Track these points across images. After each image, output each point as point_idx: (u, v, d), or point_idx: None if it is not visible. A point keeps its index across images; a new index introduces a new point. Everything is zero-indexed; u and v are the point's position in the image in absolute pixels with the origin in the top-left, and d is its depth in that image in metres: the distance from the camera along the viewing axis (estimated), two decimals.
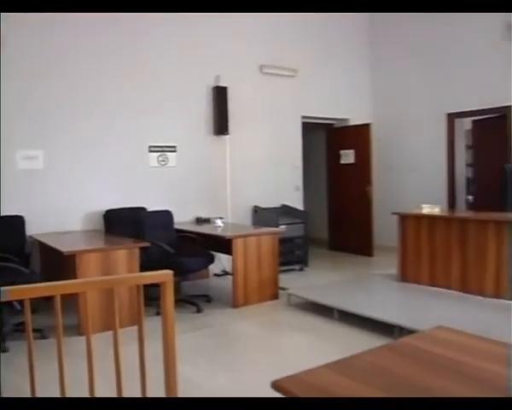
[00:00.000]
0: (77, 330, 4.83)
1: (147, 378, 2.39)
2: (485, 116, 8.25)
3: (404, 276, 6.38)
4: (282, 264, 7.23)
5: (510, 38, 7.53)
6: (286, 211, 8.13)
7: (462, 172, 8.91)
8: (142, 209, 6.77)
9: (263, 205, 8.04)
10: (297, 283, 6.87)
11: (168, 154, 7.32)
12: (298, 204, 8.53)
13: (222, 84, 7.67)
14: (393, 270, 6.56)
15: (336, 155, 9.41)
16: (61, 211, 6.44)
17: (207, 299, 6.17)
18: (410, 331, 4.10)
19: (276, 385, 1.54)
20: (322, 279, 7.04)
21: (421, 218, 6.22)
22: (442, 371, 1.73)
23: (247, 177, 8.04)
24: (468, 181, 9.12)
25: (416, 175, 8.94)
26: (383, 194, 9.16)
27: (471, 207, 8.81)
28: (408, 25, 9.07)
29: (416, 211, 6.40)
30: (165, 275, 2.41)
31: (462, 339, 2.05)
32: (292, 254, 7.81)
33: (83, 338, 2.66)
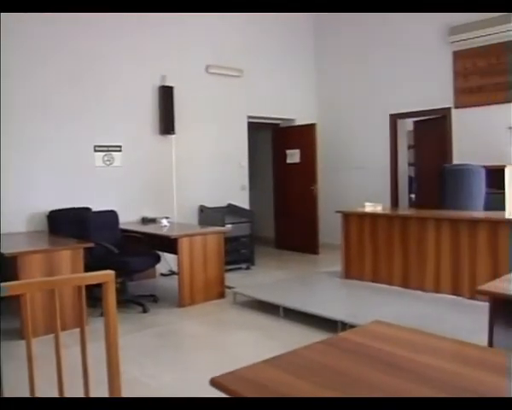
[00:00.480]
0: (19, 333, 4.71)
1: (90, 380, 2.37)
2: (426, 117, 8.49)
3: (348, 273, 6.52)
4: (229, 263, 7.28)
5: (449, 41, 7.79)
6: (232, 210, 8.16)
7: (405, 171, 9.13)
8: (87, 210, 6.67)
9: (209, 204, 8.04)
10: (243, 281, 6.90)
11: (114, 153, 7.23)
12: (244, 203, 8.57)
13: (168, 83, 7.64)
14: (338, 267, 6.69)
15: (282, 155, 9.50)
16: (3, 212, 6.25)
17: (154, 299, 6.14)
18: (352, 327, 4.18)
19: (214, 382, 1.56)
20: (268, 278, 7.11)
21: (363, 216, 6.38)
22: (377, 364, 1.76)
23: (193, 176, 8.03)
24: (411, 180, 9.38)
25: (360, 174, 9.11)
26: (328, 193, 9.29)
27: (413, 205, 9.09)
28: (352, 27, 9.24)
29: (359, 209, 6.55)
30: (106, 275, 2.39)
31: (397, 333, 2.11)
32: (238, 253, 7.86)
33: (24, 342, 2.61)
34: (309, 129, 9.02)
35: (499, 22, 7.21)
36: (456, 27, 7.71)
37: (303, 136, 9.11)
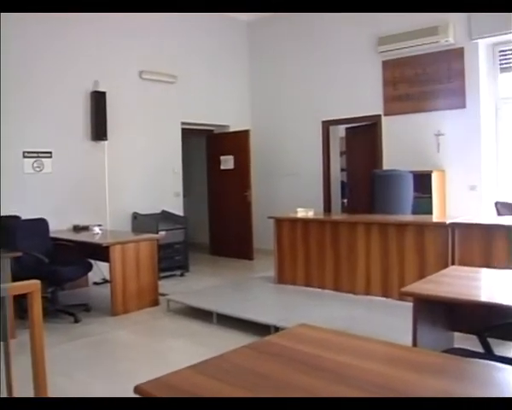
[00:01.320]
0: None
1: (15, 394, 2.32)
2: (358, 124, 8.69)
3: (281, 278, 6.60)
4: (163, 270, 7.25)
5: (379, 51, 8.02)
6: (166, 217, 8.11)
7: (338, 176, 9.31)
8: (16, 218, 6.44)
9: (143, 211, 7.96)
10: (177, 288, 6.87)
11: (44, 160, 7.04)
12: (178, 210, 8.51)
13: (101, 89, 7.52)
14: (272, 272, 6.76)
15: (216, 161, 9.52)
16: None
17: (86, 308, 6.01)
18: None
19: (137, 390, 1.57)
20: (202, 284, 7.09)
21: (296, 221, 6.47)
22: (301, 366, 1.79)
23: (126, 183, 7.93)
24: (343, 185, 9.58)
25: (294, 180, 9.23)
26: (262, 198, 9.35)
27: (346, 210, 9.29)
28: (285, 34, 9.39)
29: (291, 215, 6.64)
30: (31, 285, 2.35)
31: (322, 335, 2.16)
32: (172, 260, 7.81)
33: None
34: (243, 135, 9.08)
35: (424, 34, 7.49)
36: (384, 38, 7.94)
37: (237, 142, 9.16)
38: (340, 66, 8.66)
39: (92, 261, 6.08)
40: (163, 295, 6.23)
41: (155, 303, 6.11)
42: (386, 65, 8.10)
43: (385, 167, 7.96)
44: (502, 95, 7.43)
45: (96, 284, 7.35)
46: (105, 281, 7.24)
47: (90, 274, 6.33)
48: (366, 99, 8.33)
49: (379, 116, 8.21)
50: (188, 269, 8.04)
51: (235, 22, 9.71)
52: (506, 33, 6.96)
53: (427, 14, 7.45)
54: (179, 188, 8.72)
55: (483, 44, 7.35)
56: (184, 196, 8.88)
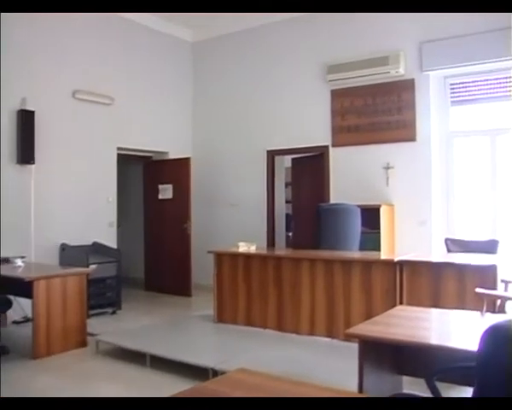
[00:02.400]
0: None
1: None
2: (304, 154, 8.80)
3: (221, 316, 6.54)
4: (92, 307, 7.10)
5: (327, 80, 8.17)
6: (97, 249, 7.94)
7: (283, 209, 9.38)
8: None
9: (72, 243, 7.73)
10: (108, 327, 6.69)
11: None
12: (111, 242, 8.33)
13: (29, 107, 7.32)
14: (211, 310, 6.69)
15: (154, 190, 9.45)
16: None
17: (3, 350, 5.73)
18: (224, 374, 4.17)
19: None
20: (135, 323, 6.93)
21: (237, 256, 6.44)
22: None
23: (55, 211, 7.70)
24: (288, 218, 9.63)
25: (236, 211, 9.23)
26: (202, 231, 9.31)
27: (291, 244, 9.31)
28: (232, 58, 9.50)
29: (232, 249, 6.61)
30: None
31: (262, 381, 2.14)
32: (103, 297, 7.65)
33: None
34: (183, 163, 9.06)
35: (374, 64, 7.69)
36: (333, 66, 8.10)
37: (177, 170, 9.13)
38: (288, 93, 8.78)
39: (12, 298, 5.85)
40: (92, 335, 6.06)
41: (83, 344, 5.93)
42: (335, 94, 8.25)
43: (332, 200, 8.06)
44: (452, 128, 7.66)
45: (15, 322, 7.04)
46: (26, 320, 6.95)
47: (9, 312, 6.07)
48: (313, 129, 8.46)
49: (326, 147, 8.33)
50: (120, 306, 7.87)
51: (180, 42, 9.74)
52: (457, 66, 7.25)
53: (378, 43, 7.76)
54: (113, 217, 8.56)
55: (434, 77, 7.57)
56: (118, 226, 8.73)
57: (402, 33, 7.67)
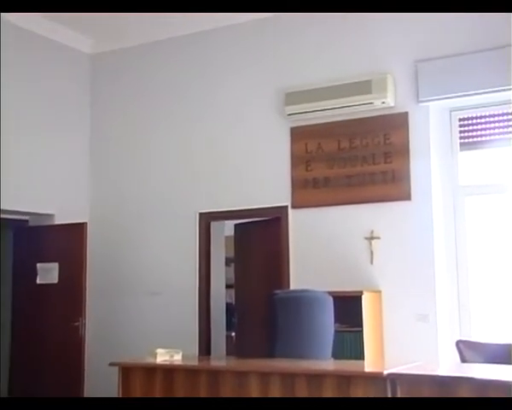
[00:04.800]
0: None
1: None
2: (253, 219, 8.72)
3: None
4: None
5: (286, 113, 8.12)
6: None
7: (222, 296, 9.27)
8: None
9: None
10: None
11: None
12: None
13: None
14: None
15: (31, 270, 9.08)
16: None
17: None
18: None
19: None
20: None
21: (153, 370, 6.10)
22: None
23: None
24: (230, 310, 9.42)
25: (154, 303, 8.98)
26: (104, 331, 9.07)
27: (233, 350, 9.09)
28: (148, 80, 9.48)
29: (147, 360, 6.29)
30: None
31: None
32: None
33: None
34: (75, 231, 8.82)
35: (352, 91, 7.66)
36: (293, 94, 8.04)
37: (66, 241, 8.87)
38: (229, 132, 8.72)
39: None
40: None
41: None
42: (297, 133, 8.18)
43: (293, 286, 7.90)
44: (463, 182, 7.61)
45: None
46: None
47: None
48: (266, 183, 8.38)
49: (284, 209, 8.23)
50: None
51: (70, 53, 9.62)
52: (469, 94, 7.24)
53: (358, 62, 7.85)
54: None
55: (436, 109, 7.58)
56: None
57: (390, 48, 7.72)
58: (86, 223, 8.94)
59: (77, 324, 8.70)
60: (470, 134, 7.61)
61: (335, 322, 6.56)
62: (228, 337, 9.47)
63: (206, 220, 8.85)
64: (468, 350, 6.07)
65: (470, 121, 7.60)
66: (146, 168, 9.35)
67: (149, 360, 6.28)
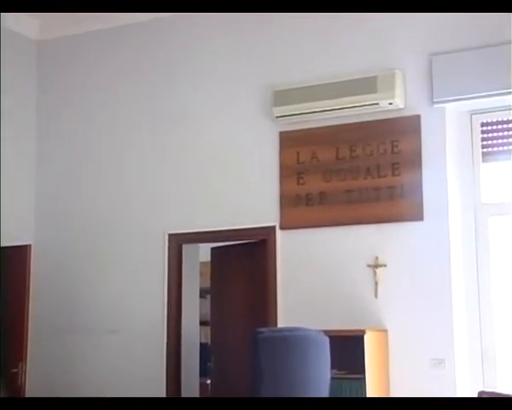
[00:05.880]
0: None
1: None
2: (234, 242, 8.68)
3: None
4: None
5: (274, 115, 8.02)
6: None
7: (195, 335, 9.30)
8: None
9: None
10: None
11: None
12: None
13: None
14: None
15: None
16: None
17: None
18: None
19: None
20: None
21: None
22: None
23: None
24: (205, 351, 9.48)
25: (112, 343, 8.86)
26: (51, 379, 8.91)
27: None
28: (105, 73, 9.43)
29: None
30: None
31: None
32: None
33: None
34: (16, 255, 8.81)
35: (353, 89, 7.57)
36: (282, 92, 7.97)
37: (4, 267, 8.68)
38: (205, 137, 8.66)
39: None
40: None
41: None
42: (287, 139, 8.11)
43: (280, 323, 7.82)
44: (486, 199, 7.53)
45: None
46: None
47: None
48: (249, 199, 8.33)
49: (271, 229, 8.15)
50: None
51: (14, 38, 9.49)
52: (493, 95, 7.16)
53: (360, 55, 7.81)
54: None
55: (454, 112, 7.53)
56: None
57: (399, 39, 7.65)
58: (30, 245, 8.94)
59: (15, 370, 8.66)
60: (495, 142, 7.55)
61: (332, 367, 6.45)
62: (202, 385, 9.51)
63: (177, 243, 8.77)
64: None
65: (495, 127, 7.54)
66: (102, 180, 9.25)
67: None
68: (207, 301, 9.50)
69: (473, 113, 7.53)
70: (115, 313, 8.92)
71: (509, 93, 7.01)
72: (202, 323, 9.43)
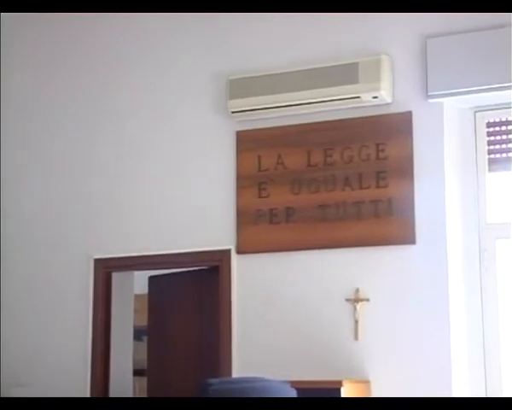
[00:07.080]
0: None
1: None
2: (178, 269, 8.62)
3: None
4: None
5: (229, 109, 7.96)
6: None
7: (128, 387, 9.13)
8: None
9: None
10: None
11: None
12: None
13: None
14: None
15: None
16: None
17: None
18: None
19: None
20: None
21: None
22: None
23: None
24: None
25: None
26: None
27: None
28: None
29: None
30: None
31: None
32: None
33: None
34: None
35: (330, 80, 7.51)
36: (240, 81, 7.95)
37: None
38: (142, 141, 8.62)
39: None
40: None
41: None
42: (246, 141, 8.06)
43: (236, 372, 7.72)
44: (492, 218, 7.46)
45: None
46: None
47: None
48: (198, 216, 8.28)
49: (226, 254, 8.04)
50: None
51: None
52: (501, 88, 7.07)
53: (336, 37, 7.92)
54: None
55: (453, 108, 7.50)
56: None
57: (386, 17, 7.48)
58: None
59: None
60: (504, 147, 7.54)
61: None
62: None
63: (106, 270, 8.67)
64: None
65: (504, 127, 7.52)
66: (8, 190, 9.10)
67: None
68: (144, 345, 9.50)
69: (477, 110, 7.49)
70: (26, 362, 8.83)
71: None
72: (137, 372, 9.37)
